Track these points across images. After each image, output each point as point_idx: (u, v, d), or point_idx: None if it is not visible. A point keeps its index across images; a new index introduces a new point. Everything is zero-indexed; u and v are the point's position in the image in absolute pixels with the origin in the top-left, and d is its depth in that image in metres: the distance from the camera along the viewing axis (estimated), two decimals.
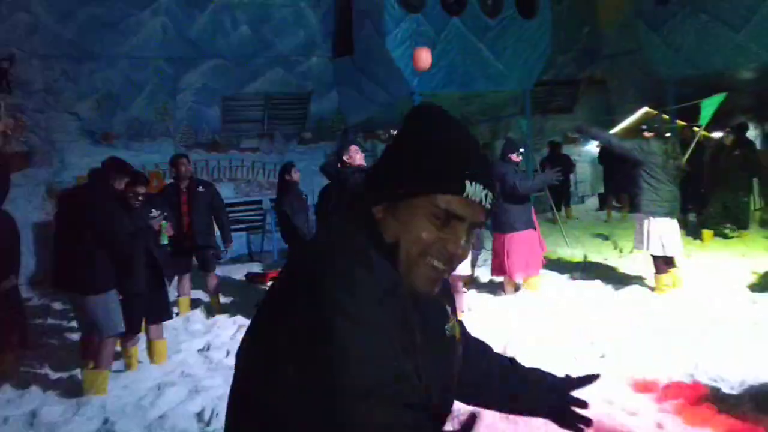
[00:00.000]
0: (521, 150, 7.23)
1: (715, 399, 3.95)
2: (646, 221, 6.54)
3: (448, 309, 1.25)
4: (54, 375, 5.42)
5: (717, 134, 10.35)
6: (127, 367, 5.38)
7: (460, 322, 1.32)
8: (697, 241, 9.26)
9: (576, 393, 1.48)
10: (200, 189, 7.15)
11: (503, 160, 6.91)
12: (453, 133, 1.13)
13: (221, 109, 11.42)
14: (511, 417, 3.79)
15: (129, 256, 4.93)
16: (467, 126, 1.19)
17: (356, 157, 5.73)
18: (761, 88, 11.42)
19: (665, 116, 12.26)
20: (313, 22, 11.76)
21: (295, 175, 7.45)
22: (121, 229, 4.82)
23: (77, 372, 5.35)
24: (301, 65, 11.82)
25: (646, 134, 6.79)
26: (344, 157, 5.77)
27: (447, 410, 1.24)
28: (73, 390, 4.95)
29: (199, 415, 4.31)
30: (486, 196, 1.08)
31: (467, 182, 1.06)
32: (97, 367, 4.84)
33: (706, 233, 9.31)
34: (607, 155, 12.96)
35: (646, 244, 6.59)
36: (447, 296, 1.28)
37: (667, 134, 6.84)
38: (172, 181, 7.29)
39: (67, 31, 10.05)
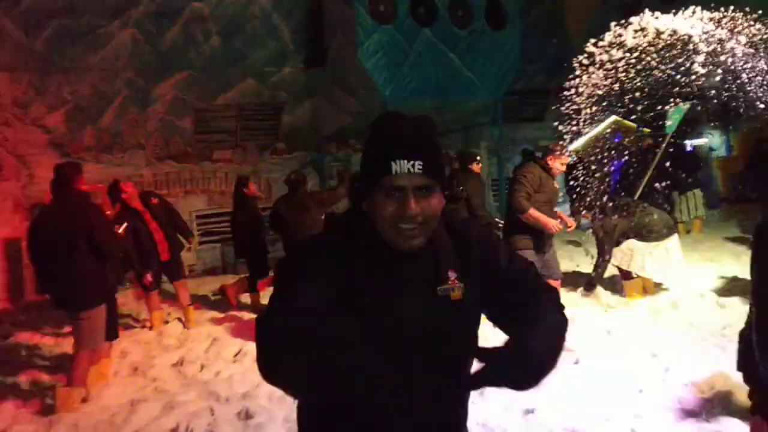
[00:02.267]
0: (477, 158, 7.64)
1: (686, 403, 4.03)
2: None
3: (451, 274, 1.50)
4: (25, 393, 5.32)
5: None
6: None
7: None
8: None
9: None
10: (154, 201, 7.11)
11: (465, 171, 7.03)
12: (385, 127, 1.46)
13: (193, 121, 11.33)
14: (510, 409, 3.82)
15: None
16: (407, 116, 1.48)
17: None
18: (726, 95, 11.67)
19: (632, 125, 12.49)
20: (285, 33, 11.74)
21: (252, 189, 7.51)
22: (113, 237, 4.95)
23: (49, 389, 5.27)
24: (273, 76, 11.79)
25: None
26: None
27: (433, 358, 1.47)
28: (44, 408, 4.87)
29: (174, 431, 4.27)
30: (413, 165, 1.38)
31: (392, 163, 1.38)
32: (71, 383, 4.78)
33: None
34: (570, 166, 13.14)
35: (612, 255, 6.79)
36: (464, 260, 1.54)
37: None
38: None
39: (35, 44, 9.88)
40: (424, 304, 1.47)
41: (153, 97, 10.89)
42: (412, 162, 1.37)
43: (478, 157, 8.03)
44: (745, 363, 2.09)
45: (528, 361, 1.30)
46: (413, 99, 10.78)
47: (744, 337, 2.10)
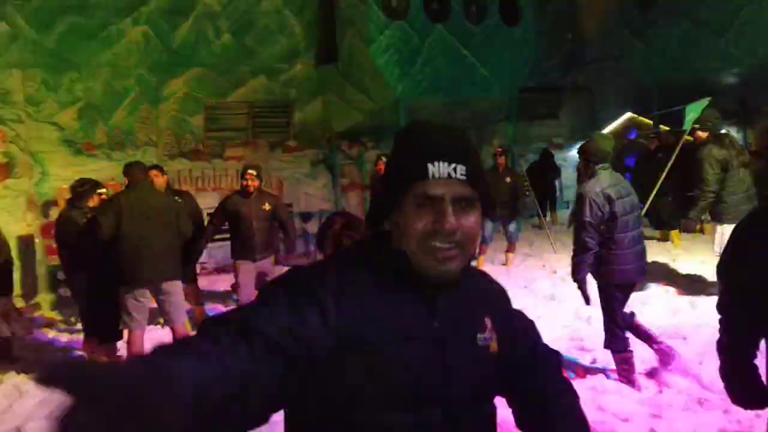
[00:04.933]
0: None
1: (706, 403, 3.93)
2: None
3: (487, 322, 1.27)
4: (39, 390, 5.28)
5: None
6: None
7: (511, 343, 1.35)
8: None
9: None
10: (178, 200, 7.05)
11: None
12: (414, 131, 1.25)
13: (205, 118, 11.32)
14: None
15: None
16: (440, 123, 1.27)
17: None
18: (743, 92, 11.52)
19: (649, 121, 12.36)
20: (296, 30, 11.70)
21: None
22: None
23: None
24: (285, 73, 11.75)
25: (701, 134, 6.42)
26: None
27: (463, 415, 1.21)
28: (58, 405, 4.83)
29: None
30: (454, 169, 1.14)
31: (429, 165, 1.14)
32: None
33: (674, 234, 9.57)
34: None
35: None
36: (494, 310, 1.32)
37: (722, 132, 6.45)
38: None
39: (48, 41, 9.90)
40: (464, 352, 1.22)
41: (164, 94, 10.89)
42: (453, 166, 1.14)
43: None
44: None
45: None
46: (426, 96, 10.70)
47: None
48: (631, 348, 4.38)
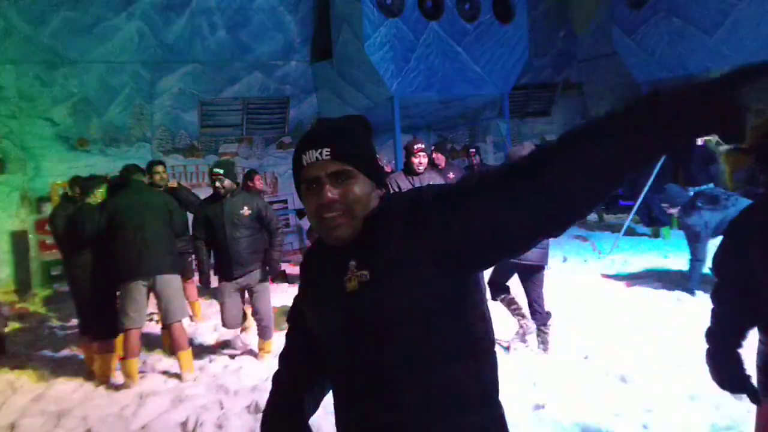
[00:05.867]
0: (386, 160, 7.61)
1: (698, 398, 4.00)
2: None
3: (352, 263, 1.35)
4: (33, 385, 5.32)
5: None
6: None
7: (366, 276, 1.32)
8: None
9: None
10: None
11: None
12: (310, 129, 1.48)
13: (199, 114, 11.32)
14: None
15: None
16: (325, 118, 1.52)
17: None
18: None
19: None
20: (291, 26, 11.71)
21: (258, 183, 7.36)
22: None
23: (56, 382, 5.27)
24: (279, 69, 11.77)
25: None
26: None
27: (351, 361, 1.37)
28: (53, 400, 4.87)
29: (183, 425, 4.25)
30: (320, 153, 1.35)
31: (302, 155, 1.38)
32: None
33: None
34: None
35: None
36: (364, 252, 1.35)
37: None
38: None
39: (42, 36, 9.87)
40: (335, 303, 1.38)
41: (159, 90, 10.88)
42: (319, 150, 1.35)
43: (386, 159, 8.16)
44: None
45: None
46: (420, 93, 10.74)
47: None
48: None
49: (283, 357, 1.66)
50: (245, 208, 5.35)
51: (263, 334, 5.58)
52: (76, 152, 10.26)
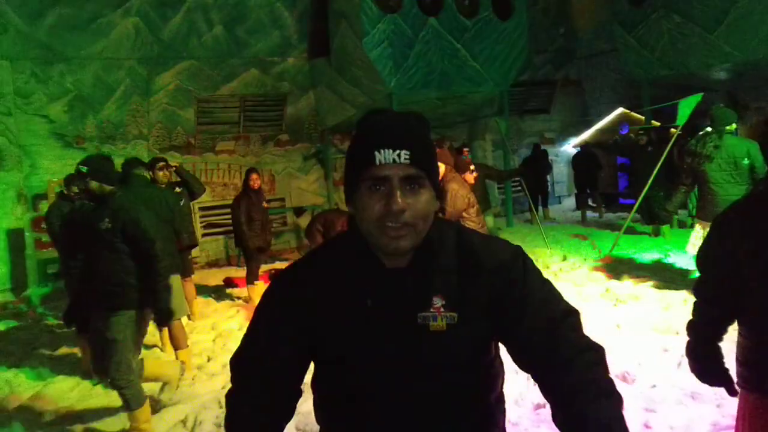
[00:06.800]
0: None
1: (699, 397, 3.97)
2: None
3: (437, 301, 1.32)
4: (30, 384, 5.27)
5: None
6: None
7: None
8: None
9: None
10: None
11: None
12: (365, 123, 1.36)
13: (196, 111, 11.25)
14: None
15: None
16: (392, 112, 1.41)
17: None
18: (734, 88, 11.60)
19: (640, 117, 12.41)
20: (288, 22, 11.65)
21: (255, 182, 7.36)
22: None
23: (51, 381, 5.23)
24: (276, 66, 11.70)
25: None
26: None
27: (402, 394, 1.32)
28: (50, 399, 4.82)
29: (183, 423, 4.22)
30: (399, 155, 1.25)
31: (375, 152, 1.25)
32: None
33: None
34: (580, 157, 13.09)
35: None
36: (451, 288, 1.34)
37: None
38: None
39: (37, 33, 9.80)
40: (398, 331, 1.31)
41: (155, 86, 10.82)
42: (398, 152, 1.25)
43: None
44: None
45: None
46: (418, 90, 10.69)
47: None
48: None
49: (258, 374, 1.43)
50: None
51: None
52: (72, 149, 10.18)
